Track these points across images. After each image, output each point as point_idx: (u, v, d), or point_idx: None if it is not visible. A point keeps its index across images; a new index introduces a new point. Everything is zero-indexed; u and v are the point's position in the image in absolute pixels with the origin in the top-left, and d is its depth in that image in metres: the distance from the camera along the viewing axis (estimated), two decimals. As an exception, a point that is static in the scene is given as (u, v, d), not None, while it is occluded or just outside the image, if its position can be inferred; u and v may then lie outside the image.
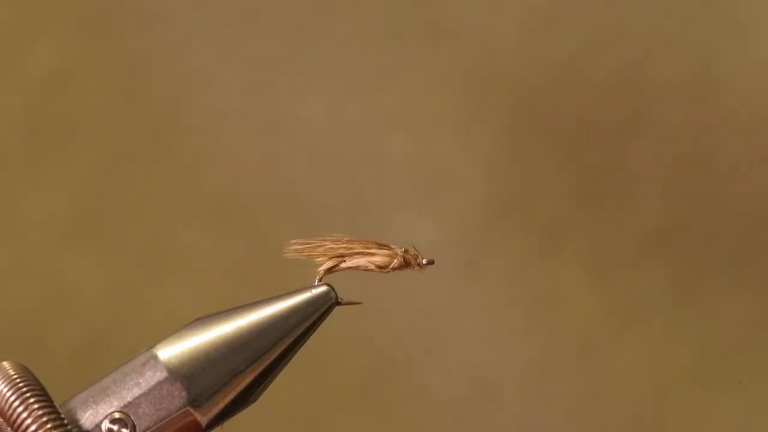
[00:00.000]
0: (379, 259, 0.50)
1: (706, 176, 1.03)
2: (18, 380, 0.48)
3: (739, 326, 1.02)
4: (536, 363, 1.01)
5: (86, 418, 0.49)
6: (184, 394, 0.49)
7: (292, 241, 0.51)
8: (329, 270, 0.51)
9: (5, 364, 0.49)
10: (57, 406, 0.48)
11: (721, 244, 1.03)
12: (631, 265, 1.02)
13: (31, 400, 0.47)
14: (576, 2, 1.03)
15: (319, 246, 0.51)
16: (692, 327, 1.02)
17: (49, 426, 0.47)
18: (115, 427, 0.49)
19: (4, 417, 0.48)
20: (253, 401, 0.50)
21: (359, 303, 0.51)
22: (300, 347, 0.50)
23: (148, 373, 0.49)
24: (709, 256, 1.03)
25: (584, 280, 1.02)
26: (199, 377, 0.49)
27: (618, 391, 1.02)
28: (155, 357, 0.49)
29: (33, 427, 0.47)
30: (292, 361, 0.51)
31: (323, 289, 0.50)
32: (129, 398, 0.49)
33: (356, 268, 0.51)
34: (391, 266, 0.51)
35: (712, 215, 1.03)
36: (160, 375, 0.49)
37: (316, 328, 0.50)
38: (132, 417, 0.49)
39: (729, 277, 1.02)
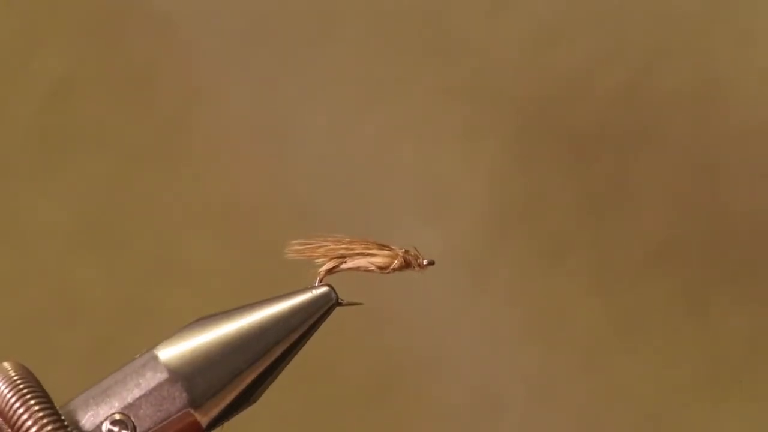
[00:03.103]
0: (379, 260, 0.50)
1: (711, 188, 1.03)
2: (18, 381, 0.48)
3: (744, 339, 1.02)
4: (539, 374, 1.01)
5: (86, 420, 0.49)
6: (184, 395, 0.49)
7: (293, 242, 0.51)
8: (330, 270, 0.51)
9: (6, 364, 0.49)
10: (57, 408, 0.48)
11: (725, 257, 1.02)
12: (635, 277, 1.02)
13: (32, 401, 0.47)
14: (581, 14, 1.03)
15: (320, 246, 0.51)
16: (696, 339, 1.02)
17: (49, 428, 0.47)
18: (116, 429, 0.49)
19: (4, 418, 0.48)
20: (254, 402, 0.50)
21: (360, 303, 0.51)
22: (301, 348, 0.50)
23: (148, 374, 0.49)
24: (713, 269, 1.02)
25: (588, 291, 1.02)
26: (199, 378, 0.49)
27: (621, 404, 1.02)
28: (156, 358, 0.49)
29: (33, 429, 0.47)
30: (294, 364, 0.51)
31: (324, 289, 0.50)
32: (129, 399, 0.49)
33: (357, 268, 0.51)
34: (391, 267, 0.51)
35: (716, 227, 1.03)
36: (161, 376, 0.49)
37: (317, 328, 0.50)
38: (132, 418, 0.49)
39: (733, 289, 1.02)
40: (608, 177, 1.03)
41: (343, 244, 0.50)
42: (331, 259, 0.50)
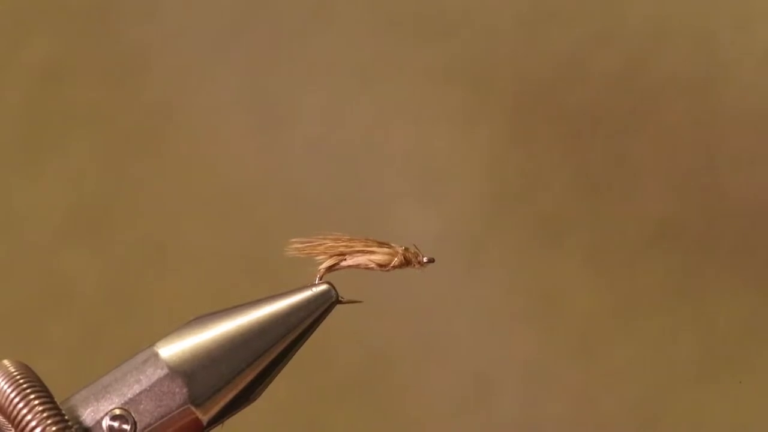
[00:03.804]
0: (379, 258, 0.51)
1: (709, 170, 1.03)
2: (19, 377, 0.48)
3: (740, 321, 1.02)
4: (536, 358, 1.01)
5: (87, 415, 0.49)
6: (185, 391, 0.49)
7: (293, 240, 0.51)
8: (330, 268, 0.51)
9: (6, 362, 0.49)
10: (58, 403, 0.48)
11: (722, 238, 1.02)
12: (632, 259, 1.02)
13: (32, 397, 0.47)
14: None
15: (320, 244, 0.51)
16: (693, 321, 1.02)
17: (50, 422, 0.47)
18: (116, 424, 0.49)
19: (5, 414, 0.48)
20: (254, 400, 0.50)
21: (360, 301, 0.51)
22: (301, 346, 0.50)
23: (148, 370, 0.49)
24: (710, 250, 1.03)
25: (585, 273, 1.02)
26: (200, 375, 0.49)
27: (618, 386, 1.02)
28: (156, 354, 0.49)
29: (34, 424, 0.47)
30: (292, 358, 0.51)
31: (324, 287, 0.51)
32: (130, 395, 0.49)
33: (357, 266, 0.51)
34: (391, 265, 0.51)
35: (714, 209, 1.03)
36: (161, 372, 0.49)
37: (317, 326, 0.50)
38: (133, 413, 0.49)
39: (730, 271, 1.02)
40: (605, 159, 1.03)
41: (343, 241, 0.50)
42: (331, 256, 0.51)
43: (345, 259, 0.51)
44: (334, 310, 0.51)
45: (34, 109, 0.99)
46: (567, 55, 1.03)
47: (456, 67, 1.03)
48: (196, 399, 0.49)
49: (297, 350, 0.50)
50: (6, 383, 0.48)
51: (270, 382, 0.50)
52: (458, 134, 1.03)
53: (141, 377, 0.49)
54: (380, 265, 0.50)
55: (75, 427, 0.48)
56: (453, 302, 1.02)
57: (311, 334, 0.50)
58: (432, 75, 1.03)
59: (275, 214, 1.00)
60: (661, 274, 1.02)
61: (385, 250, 0.50)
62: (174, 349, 0.49)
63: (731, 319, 1.02)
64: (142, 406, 0.49)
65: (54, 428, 0.47)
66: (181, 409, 0.49)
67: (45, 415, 0.47)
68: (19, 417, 0.47)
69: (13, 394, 0.47)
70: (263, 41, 1.02)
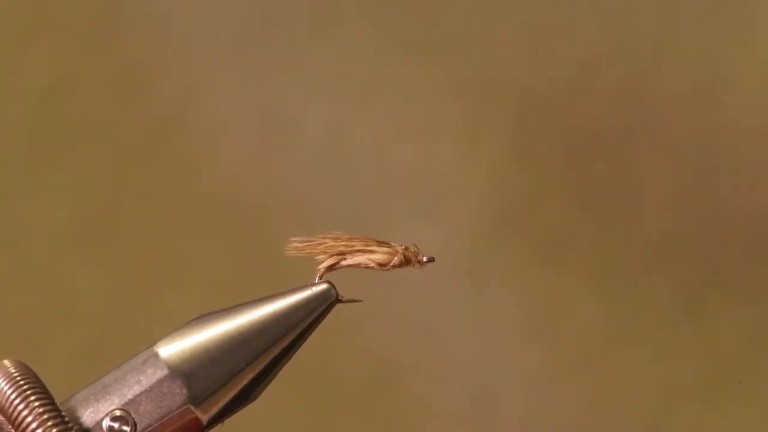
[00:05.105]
0: (379, 257, 0.51)
1: (712, 187, 1.03)
2: (19, 378, 0.48)
3: (743, 338, 1.02)
4: (537, 375, 1.01)
5: (87, 416, 0.49)
6: (185, 391, 0.49)
7: (293, 239, 0.51)
8: (330, 268, 0.51)
9: (6, 362, 0.49)
10: (58, 404, 0.48)
11: (725, 257, 1.02)
12: (634, 277, 1.02)
13: (33, 398, 0.47)
14: (581, 11, 1.03)
15: (320, 244, 0.51)
16: (695, 339, 1.02)
17: (50, 424, 0.47)
18: (116, 425, 0.49)
19: (5, 415, 0.48)
20: (254, 399, 0.50)
21: (360, 301, 0.51)
22: (301, 345, 0.50)
23: (149, 370, 0.49)
24: (713, 269, 1.02)
25: (587, 291, 1.02)
26: (199, 375, 0.49)
27: (620, 403, 1.02)
28: (156, 354, 0.49)
29: (34, 425, 0.47)
30: (292, 363, 0.51)
31: (324, 286, 0.50)
32: (130, 396, 0.49)
33: (357, 265, 0.51)
34: (391, 264, 0.51)
35: (716, 227, 1.03)
36: (161, 372, 0.49)
37: (317, 325, 0.50)
38: (133, 414, 0.49)
39: (733, 290, 1.02)
40: (608, 175, 1.03)
41: (343, 241, 0.51)
42: (331, 256, 0.51)
43: (345, 259, 0.51)
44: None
45: (40, 121, 1.00)
46: (568, 72, 1.03)
47: (458, 84, 1.03)
48: (196, 399, 0.49)
49: (297, 350, 0.50)
50: (6, 384, 0.48)
51: (270, 381, 0.50)
52: (460, 150, 1.03)
53: (141, 378, 0.49)
54: (380, 265, 0.50)
55: (75, 428, 0.48)
56: (455, 318, 1.02)
57: (311, 333, 0.50)
58: (434, 91, 1.03)
59: (279, 228, 1.00)
60: (664, 291, 1.02)
61: (385, 249, 0.50)
62: (174, 349, 0.49)
63: (734, 336, 1.02)
64: (142, 407, 0.49)
65: (54, 430, 0.47)
66: (181, 409, 0.49)
67: (45, 416, 0.47)
68: (20, 418, 0.47)
69: (13, 395, 0.47)
70: (267, 57, 1.02)
